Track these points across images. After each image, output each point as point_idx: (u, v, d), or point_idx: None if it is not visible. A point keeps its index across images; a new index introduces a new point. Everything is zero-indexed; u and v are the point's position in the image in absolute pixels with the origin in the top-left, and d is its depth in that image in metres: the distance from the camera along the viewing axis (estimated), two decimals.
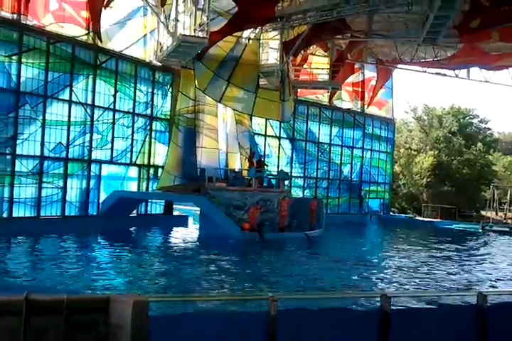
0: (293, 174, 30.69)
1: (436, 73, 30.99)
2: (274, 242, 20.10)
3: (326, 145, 33.21)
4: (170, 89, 24.53)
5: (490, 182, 45.28)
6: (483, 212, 44.34)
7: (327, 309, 6.97)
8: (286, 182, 26.95)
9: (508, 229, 32.04)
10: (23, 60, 18.91)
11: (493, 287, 13.22)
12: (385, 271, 15.55)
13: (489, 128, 54.35)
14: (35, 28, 19.32)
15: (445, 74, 30.75)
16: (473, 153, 47.20)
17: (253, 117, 27.01)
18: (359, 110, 35.28)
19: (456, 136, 48.02)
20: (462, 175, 45.51)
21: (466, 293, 10.51)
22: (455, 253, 20.30)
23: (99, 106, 21.65)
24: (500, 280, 14.71)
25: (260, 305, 6.43)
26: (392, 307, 6.60)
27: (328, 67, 28.62)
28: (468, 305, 7.53)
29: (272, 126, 29.89)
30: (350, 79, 33.46)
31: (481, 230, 31.82)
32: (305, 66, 30.54)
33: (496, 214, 42.24)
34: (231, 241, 19.55)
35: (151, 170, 24.06)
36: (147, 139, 23.77)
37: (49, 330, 4.22)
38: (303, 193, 31.61)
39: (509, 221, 38.70)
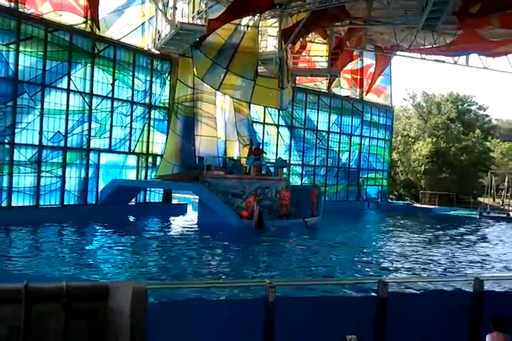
0: (291, 162, 30.76)
1: (435, 60, 30.82)
2: (272, 229, 20.23)
3: (324, 133, 33.22)
4: (168, 78, 24.46)
5: (488, 168, 45.42)
6: (480, 199, 44.48)
7: (324, 296, 7.08)
8: (285, 170, 27.01)
9: (505, 215, 32.32)
10: (21, 48, 18.84)
11: (489, 272, 13.39)
12: (382, 257, 15.71)
13: (487, 115, 54.40)
14: (33, 17, 19.22)
15: (444, 61, 30.59)
16: (472, 139, 47.19)
17: (251, 105, 26.95)
18: (358, 97, 35.22)
19: (455, 123, 47.99)
20: (460, 162, 45.59)
21: (463, 278, 10.64)
22: (452, 239, 20.50)
23: (97, 95, 21.62)
24: (496, 266, 14.90)
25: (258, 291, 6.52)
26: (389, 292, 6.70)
27: (327, 54, 28.43)
28: (464, 291, 7.63)
29: (270, 114, 29.87)
30: (349, 66, 33.33)
31: (478, 216, 32.03)
32: (304, 53, 30.40)
33: (494, 200, 42.41)
34: (229, 228, 19.66)
35: (150, 159, 24.11)
36: (146, 128, 23.78)
37: (49, 318, 4.28)
38: (301, 181, 31.69)
39: (506, 207, 38.90)
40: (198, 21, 19.89)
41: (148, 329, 4.60)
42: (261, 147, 26.39)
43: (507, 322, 5.80)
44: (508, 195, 40.97)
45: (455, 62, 30.01)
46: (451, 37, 26.15)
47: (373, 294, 6.86)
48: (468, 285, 7.26)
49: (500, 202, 41.49)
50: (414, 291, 9.04)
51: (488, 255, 16.92)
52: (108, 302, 4.45)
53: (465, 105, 50.88)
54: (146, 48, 23.41)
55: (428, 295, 8.54)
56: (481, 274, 12.51)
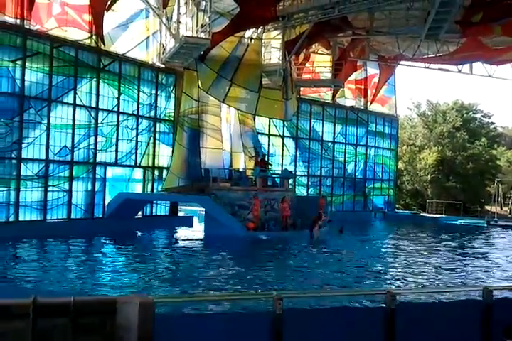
0: (297, 172, 30.74)
1: (439, 69, 30.92)
2: (277, 241, 20.16)
3: (329, 143, 33.21)
4: (173, 91, 24.59)
5: (494, 176, 45.23)
6: (487, 207, 44.28)
7: (333, 308, 7.04)
8: (291, 181, 27.01)
9: None
10: (27, 64, 18.99)
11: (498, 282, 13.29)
12: (390, 268, 15.64)
13: (493, 123, 54.31)
14: (39, 33, 19.41)
15: (448, 70, 30.67)
16: (477, 148, 47.10)
17: (256, 116, 27.06)
18: (362, 107, 35.26)
19: (460, 131, 47.91)
20: (466, 171, 45.45)
21: (472, 288, 10.57)
22: (460, 248, 20.38)
23: (103, 109, 21.74)
24: (506, 275, 14.79)
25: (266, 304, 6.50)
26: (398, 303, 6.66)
27: (331, 65, 28.58)
28: (473, 301, 7.58)
29: (275, 125, 29.93)
30: (353, 76, 33.43)
31: (486, 225, 31.84)
32: (307, 64, 30.59)
33: (501, 208, 42.26)
34: (236, 240, 19.63)
35: (156, 172, 24.16)
36: (151, 141, 23.86)
37: (56, 333, 4.29)
38: (307, 191, 31.64)
39: None
40: (202, 35, 20.03)
41: None
42: (266, 158, 26.43)
43: None
44: None
45: (459, 71, 30.09)
46: (455, 45, 26.24)
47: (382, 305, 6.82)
48: (478, 295, 7.22)
49: (508, 211, 41.29)
50: (422, 301, 8.98)
51: (497, 264, 16.81)
52: (115, 317, 4.45)
53: (470, 113, 50.79)
54: (150, 62, 23.58)
55: (437, 306, 8.49)
56: (490, 284, 12.43)
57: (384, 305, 6.60)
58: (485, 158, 47.04)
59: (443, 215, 37.03)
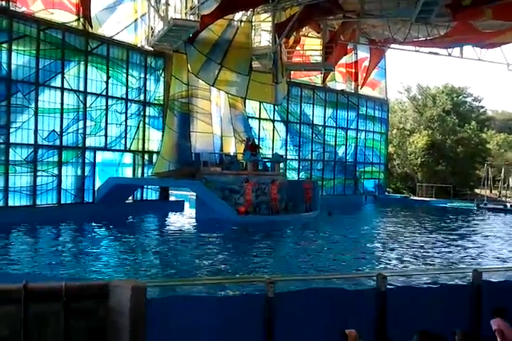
0: (288, 156, 30.71)
1: (429, 52, 30.77)
2: (268, 225, 20.21)
3: (320, 127, 33.17)
4: (162, 74, 24.35)
5: (484, 160, 45.43)
6: (477, 190, 44.58)
7: (324, 289, 7.07)
8: (282, 165, 27.00)
9: (502, 207, 32.37)
10: (14, 47, 18.73)
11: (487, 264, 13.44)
12: (381, 250, 15.74)
13: (483, 107, 54.53)
14: (25, 15, 19.11)
15: (438, 53, 30.55)
16: (467, 131, 47.27)
17: (247, 100, 26.90)
18: (353, 91, 35.17)
19: (450, 115, 48.04)
20: (456, 154, 45.66)
21: (461, 270, 10.67)
22: (449, 231, 20.55)
23: (91, 93, 21.53)
24: (494, 256, 14.95)
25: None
26: (388, 286, 6.70)
27: (321, 48, 28.38)
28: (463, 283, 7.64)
29: (265, 109, 29.79)
30: (344, 60, 33.25)
31: (475, 208, 32.10)
32: (298, 48, 30.34)
33: (491, 191, 42.51)
34: (227, 224, 19.65)
35: (146, 156, 24.05)
36: (141, 125, 23.69)
37: (48, 318, 4.26)
38: (298, 175, 31.67)
39: (503, 198, 38.99)
40: (191, 17, 19.81)
41: (148, 326, 4.59)
42: (256, 142, 26.35)
43: (506, 309, 6.46)
44: (505, 186, 41.09)
45: (449, 54, 29.98)
46: (445, 29, 26.11)
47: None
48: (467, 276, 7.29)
49: (497, 194, 41.59)
50: (413, 284, 9.05)
51: (486, 246, 16.99)
52: (107, 301, 4.44)
53: (460, 97, 50.94)
54: (139, 45, 23.31)
55: (428, 288, 8.56)
56: (479, 266, 12.56)
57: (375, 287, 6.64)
58: (475, 141, 47.24)
59: (433, 198, 37.27)
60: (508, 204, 32.99)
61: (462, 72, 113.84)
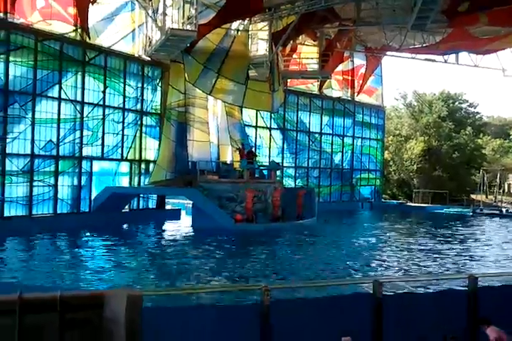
0: (284, 164, 30.78)
1: (426, 59, 30.95)
2: (268, 232, 20.22)
3: (316, 135, 33.29)
4: (160, 84, 24.45)
5: (480, 165, 45.57)
6: (473, 196, 44.64)
7: (319, 297, 7.11)
8: (278, 173, 27.06)
9: (497, 212, 32.45)
10: (11, 58, 18.77)
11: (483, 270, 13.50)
12: (377, 257, 15.78)
13: (478, 113, 54.66)
14: (23, 26, 19.17)
15: (434, 60, 30.72)
16: (463, 137, 47.43)
17: (243, 108, 26.99)
18: (349, 98, 35.32)
19: (446, 121, 48.17)
20: (452, 160, 45.77)
21: (458, 276, 10.71)
22: (445, 237, 20.61)
23: (88, 103, 21.58)
24: (490, 262, 15.01)
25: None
26: (385, 293, 6.74)
27: (318, 56, 28.54)
28: (459, 289, 7.67)
29: (262, 117, 29.92)
30: (340, 67, 33.42)
31: (471, 214, 32.17)
32: (294, 56, 30.47)
33: (486, 197, 42.60)
34: (224, 232, 19.64)
35: (143, 165, 24.09)
36: (138, 134, 23.74)
37: (44, 328, 4.27)
38: (295, 183, 31.74)
39: (499, 203, 39.06)
40: (188, 27, 19.89)
41: (144, 335, 4.62)
42: (253, 150, 26.42)
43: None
44: (501, 191, 41.17)
45: (445, 61, 30.12)
46: (441, 35, 26.26)
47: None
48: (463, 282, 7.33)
49: (493, 199, 41.67)
50: (410, 291, 9.09)
51: (482, 252, 17.04)
52: (103, 311, 4.44)
53: (456, 103, 51.07)
54: (136, 55, 23.42)
55: (425, 294, 8.60)
56: (476, 271, 12.62)
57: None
58: (470, 147, 47.39)
59: (429, 204, 37.32)
60: (504, 210, 33.07)
61: (458, 78, 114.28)
